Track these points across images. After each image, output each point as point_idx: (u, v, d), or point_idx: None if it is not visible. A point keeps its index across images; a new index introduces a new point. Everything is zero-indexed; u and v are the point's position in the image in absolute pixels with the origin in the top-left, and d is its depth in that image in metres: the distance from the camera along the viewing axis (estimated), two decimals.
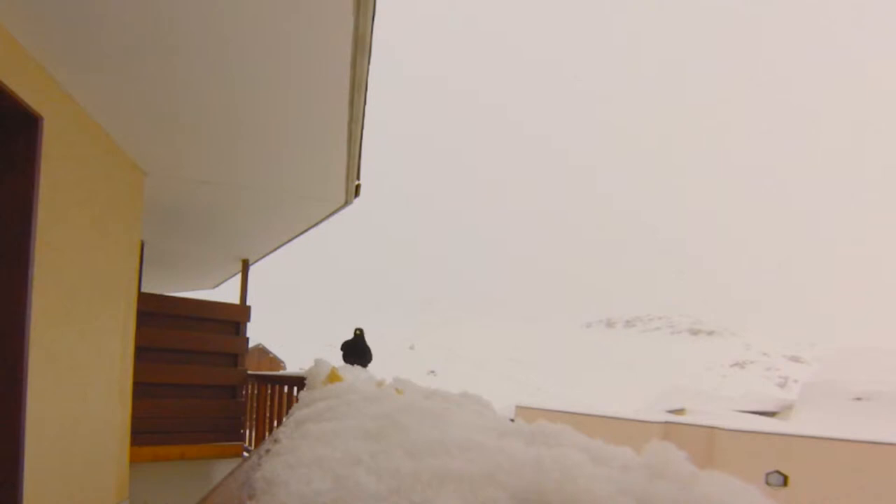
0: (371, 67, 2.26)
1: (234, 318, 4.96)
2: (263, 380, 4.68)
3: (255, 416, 4.78)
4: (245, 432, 4.87)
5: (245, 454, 4.68)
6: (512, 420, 0.59)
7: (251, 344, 5.55)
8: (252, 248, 5.15)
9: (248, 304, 5.18)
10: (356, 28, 1.96)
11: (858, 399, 15.78)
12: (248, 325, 5.02)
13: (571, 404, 18.40)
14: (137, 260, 3.34)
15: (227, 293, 6.04)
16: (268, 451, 0.48)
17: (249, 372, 4.95)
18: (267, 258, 5.48)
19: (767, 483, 9.23)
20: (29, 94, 2.01)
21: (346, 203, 3.69)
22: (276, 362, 32.69)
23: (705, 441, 10.13)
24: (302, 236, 4.62)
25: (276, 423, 4.29)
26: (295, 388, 3.96)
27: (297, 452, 0.42)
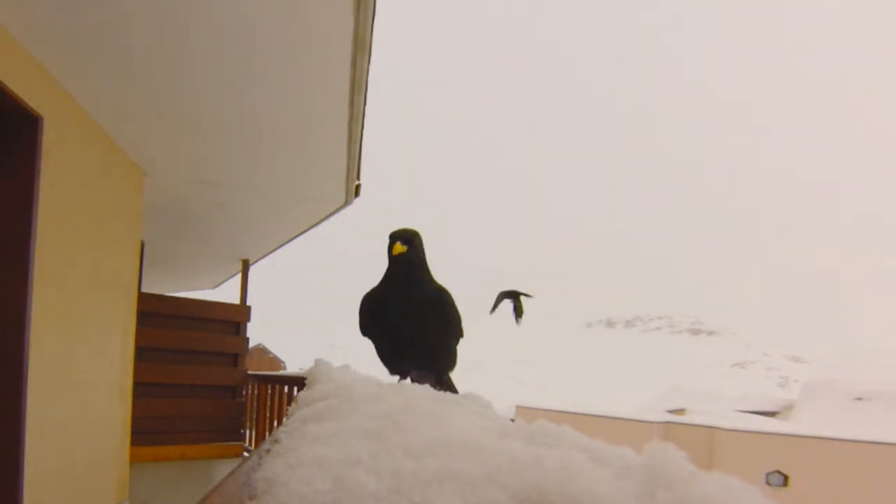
0: (371, 67, 2.26)
1: (234, 318, 4.96)
2: (263, 380, 4.68)
3: (255, 416, 4.78)
4: (245, 432, 4.87)
5: (245, 454, 4.68)
6: (512, 420, 0.59)
7: (251, 344, 5.55)
8: (252, 248, 5.16)
9: (248, 304, 5.18)
10: (356, 28, 1.97)
11: (859, 399, 15.77)
12: (248, 325, 5.03)
13: (571, 404, 18.38)
14: (137, 260, 3.33)
15: (227, 293, 6.05)
16: (268, 451, 0.48)
17: (249, 372, 4.95)
18: (267, 258, 5.49)
19: (767, 483, 9.22)
20: (29, 94, 2.01)
21: (346, 203, 3.69)
22: (276, 362, 32.66)
23: (705, 441, 10.12)
24: (302, 235, 4.62)
25: (276, 423, 4.29)
26: (295, 388, 3.96)
27: (297, 452, 0.42)
